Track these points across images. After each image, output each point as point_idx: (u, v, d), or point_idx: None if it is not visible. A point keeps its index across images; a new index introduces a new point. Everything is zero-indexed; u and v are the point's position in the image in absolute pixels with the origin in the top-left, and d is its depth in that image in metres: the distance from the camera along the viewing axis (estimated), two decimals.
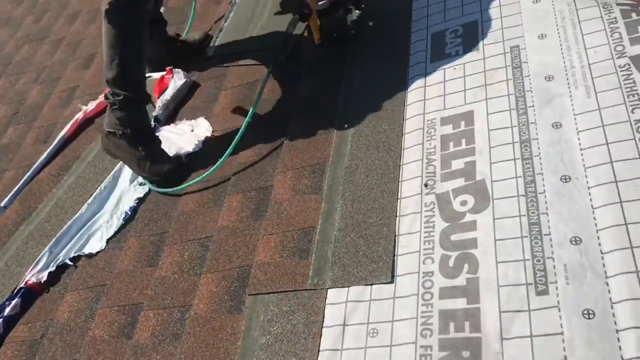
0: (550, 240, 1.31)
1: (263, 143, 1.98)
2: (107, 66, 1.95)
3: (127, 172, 2.10)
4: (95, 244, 1.95)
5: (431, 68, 1.88)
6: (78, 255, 1.96)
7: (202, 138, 2.08)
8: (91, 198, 2.06)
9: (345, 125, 1.86)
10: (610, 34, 1.66)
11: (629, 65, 1.56)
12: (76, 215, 2.04)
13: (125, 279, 1.82)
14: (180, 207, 1.93)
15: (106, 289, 1.83)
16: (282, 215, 1.71)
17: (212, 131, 2.10)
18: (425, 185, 1.57)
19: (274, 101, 2.12)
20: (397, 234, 1.51)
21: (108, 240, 1.96)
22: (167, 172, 2.01)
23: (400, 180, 1.63)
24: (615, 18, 1.69)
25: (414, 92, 1.84)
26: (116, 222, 1.97)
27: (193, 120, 2.17)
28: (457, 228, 1.44)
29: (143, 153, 2.00)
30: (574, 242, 1.28)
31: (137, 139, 2.01)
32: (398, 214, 1.55)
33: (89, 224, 2.00)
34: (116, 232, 1.97)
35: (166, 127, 2.21)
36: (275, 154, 1.92)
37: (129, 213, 1.99)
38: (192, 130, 2.11)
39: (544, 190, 1.40)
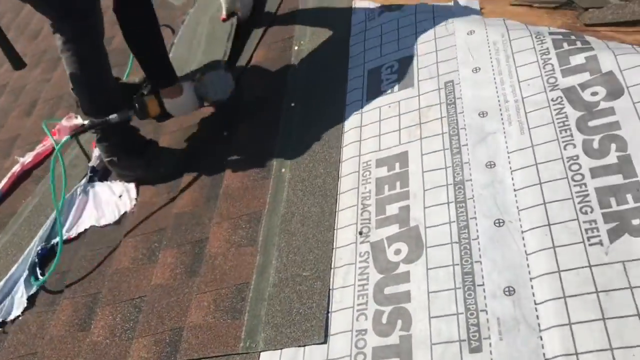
0: (484, 291, 1.25)
1: (199, 191, 1.91)
2: (79, 98, 2.00)
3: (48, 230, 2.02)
4: (18, 304, 1.86)
5: (367, 106, 1.82)
6: (4, 320, 1.86)
7: (122, 212, 1.99)
8: (21, 257, 1.96)
9: (282, 170, 1.80)
10: (542, 66, 1.63)
11: (561, 98, 1.52)
12: (6, 277, 1.93)
13: (56, 346, 1.71)
14: (115, 265, 1.84)
15: (37, 358, 1.72)
16: (217, 270, 1.62)
17: (133, 206, 2.00)
18: (360, 233, 1.51)
19: (211, 146, 2.05)
20: (331, 287, 1.43)
21: (29, 298, 1.87)
22: (173, 169, 2.04)
23: (335, 228, 1.56)
24: (547, 49, 1.66)
25: (350, 132, 1.78)
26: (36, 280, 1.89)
27: (126, 184, 2.07)
28: (391, 280, 1.37)
29: (145, 163, 2.04)
30: (507, 293, 1.22)
31: (132, 156, 2.04)
32: (333, 265, 1.48)
33: (17, 284, 1.90)
34: (43, 291, 1.88)
35: (100, 184, 2.12)
36: (212, 202, 1.84)
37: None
38: (120, 197, 2.03)
39: (478, 236, 1.34)
